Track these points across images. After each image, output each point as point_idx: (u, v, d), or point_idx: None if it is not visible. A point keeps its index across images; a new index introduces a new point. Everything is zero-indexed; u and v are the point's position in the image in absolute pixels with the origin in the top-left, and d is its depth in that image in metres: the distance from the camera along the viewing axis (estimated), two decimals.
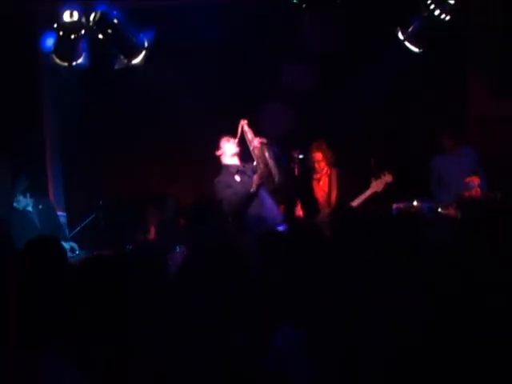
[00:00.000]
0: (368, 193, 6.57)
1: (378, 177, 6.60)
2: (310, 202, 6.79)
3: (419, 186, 6.93)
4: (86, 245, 6.85)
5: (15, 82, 7.44)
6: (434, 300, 2.77)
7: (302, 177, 6.93)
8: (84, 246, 6.77)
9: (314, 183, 6.90)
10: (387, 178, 6.58)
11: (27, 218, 6.70)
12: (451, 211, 6.04)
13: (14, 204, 6.68)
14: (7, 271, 3.02)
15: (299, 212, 6.67)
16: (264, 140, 6.25)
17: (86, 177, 8.18)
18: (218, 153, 6.46)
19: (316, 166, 6.84)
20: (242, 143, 6.39)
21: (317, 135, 7.50)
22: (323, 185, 6.87)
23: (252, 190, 6.21)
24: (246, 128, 6.32)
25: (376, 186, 6.59)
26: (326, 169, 6.85)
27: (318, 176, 6.87)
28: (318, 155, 6.83)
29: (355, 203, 6.49)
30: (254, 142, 6.24)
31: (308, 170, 6.94)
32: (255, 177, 6.22)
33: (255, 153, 6.26)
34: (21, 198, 6.68)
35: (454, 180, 6.74)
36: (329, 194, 6.79)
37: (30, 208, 6.73)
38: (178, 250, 6.71)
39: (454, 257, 3.26)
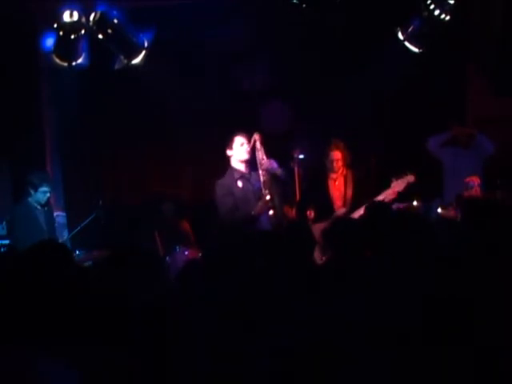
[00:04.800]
0: (388, 192, 6.51)
1: (399, 176, 6.55)
2: (325, 202, 6.72)
3: (419, 186, 6.93)
4: (86, 245, 6.83)
5: (15, 82, 7.43)
6: (433, 300, 2.77)
7: (317, 176, 6.89)
8: (84, 246, 6.75)
9: (330, 183, 6.82)
10: (409, 178, 6.52)
11: (33, 216, 6.54)
12: (451, 211, 6.04)
13: (29, 199, 6.48)
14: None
15: (310, 213, 6.56)
16: (270, 165, 6.20)
17: (86, 177, 8.17)
18: (229, 153, 6.39)
19: (334, 165, 6.73)
20: (252, 153, 6.33)
21: (317, 135, 7.51)
22: (339, 185, 6.80)
23: (253, 213, 6.14)
24: (258, 145, 6.23)
25: (397, 185, 6.52)
26: (341, 169, 6.79)
27: (335, 176, 6.80)
28: (337, 154, 6.74)
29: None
30: (263, 164, 6.19)
31: (320, 169, 6.89)
32: (259, 204, 6.15)
33: (263, 175, 6.19)
34: (43, 188, 6.45)
35: (461, 173, 6.79)
36: (344, 194, 6.73)
37: (38, 206, 6.56)
38: (178, 251, 6.72)
39: (453, 257, 3.26)
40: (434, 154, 7.29)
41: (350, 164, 6.84)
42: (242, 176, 6.31)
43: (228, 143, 6.37)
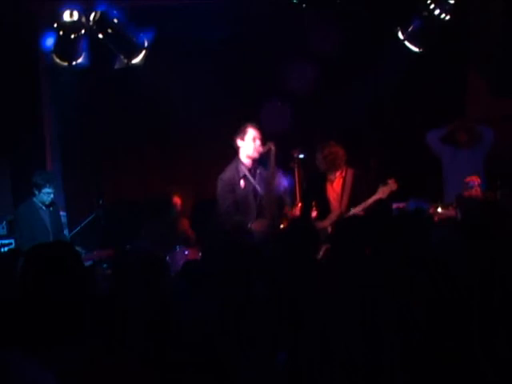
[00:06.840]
0: (374, 198, 6.54)
1: (384, 183, 6.59)
2: (321, 204, 6.71)
3: (419, 186, 6.93)
4: (86, 245, 6.83)
5: (15, 81, 7.43)
6: (432, 301, 2.78)
7: (315, 177, 6.87)
8: (84, 246, 6.75)
9: (328, 184, 6.80)
10: (392, 185, 6.56)
11: (38, 216, 6.49)
12: (451, 211, 6.04)
13: (34, 198, 6.44)
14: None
15: (314, 213, 6.57)
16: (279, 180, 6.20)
17: (86, 177, 8.17)
18: (239, 144, 6.29)
19: (318, 164, 6.73)
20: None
21: (317, 135, 7.51)
22: (336, 186, 6.77)
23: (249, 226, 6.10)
24: (271, 156, 6.21)
25: (382, 192, 6.56)
26: (340, 170, 6.74)
27: (332, 177, 6.77)
28: (318, 154, 6.74)
29: (360, 208, 6.45)
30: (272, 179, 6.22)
31: (316, 170, 6.88)
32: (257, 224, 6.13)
33: (267, 193, 6.24)
34: (47, 189, 6.39)
35: (462, 170, 6.80)
36: (341, 196, 6.71)
37: (43, 206, 6.51)
38: (177, 250, 6.72)
39: (453, 257, 3.27)
40: (434, 148, 7.27)
41: (348, 165, 6.80)
42: (245, 175, 6.30)
43: (239, 133, 6.32)
